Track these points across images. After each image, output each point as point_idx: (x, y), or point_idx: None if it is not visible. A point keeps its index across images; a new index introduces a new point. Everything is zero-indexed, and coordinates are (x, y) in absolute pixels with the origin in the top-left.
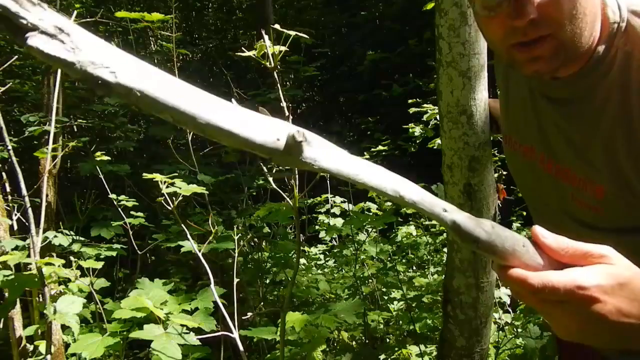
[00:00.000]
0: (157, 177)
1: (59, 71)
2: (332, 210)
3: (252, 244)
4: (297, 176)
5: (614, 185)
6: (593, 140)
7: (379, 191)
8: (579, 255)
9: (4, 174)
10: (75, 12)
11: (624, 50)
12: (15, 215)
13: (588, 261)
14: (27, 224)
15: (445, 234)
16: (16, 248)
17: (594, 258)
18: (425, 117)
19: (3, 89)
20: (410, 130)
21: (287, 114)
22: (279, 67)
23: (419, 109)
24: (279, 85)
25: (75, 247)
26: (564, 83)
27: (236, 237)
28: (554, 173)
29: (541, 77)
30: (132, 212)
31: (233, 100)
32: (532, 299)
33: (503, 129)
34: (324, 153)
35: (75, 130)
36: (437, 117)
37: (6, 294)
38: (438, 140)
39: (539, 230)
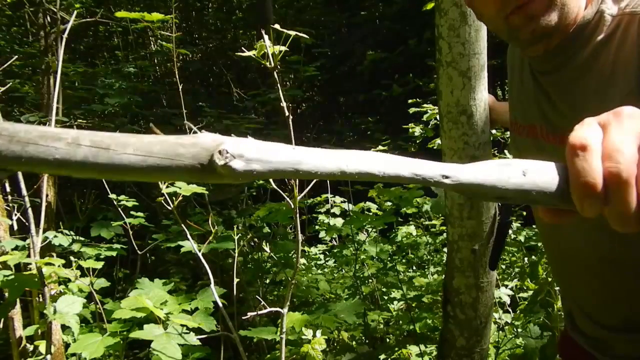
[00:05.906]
0: None
1: (59, 71)
2: (332, 210)
3: (252, 244)
4: None
5: None
6: (584, 100)
7: (354, 177)
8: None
9: None
10: (75, 12)
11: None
12: (15, 215)
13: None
14: (27, 224)
15: (445, 234)
16: (16, 248)
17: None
18: (425, 117)
19: (3, 89)
20: (410, 130)
21: (287, 113)
22: (279, 67)
23: (419, 109)
24: (279, 85)
25: (75, 247)
26: (552, 54)
27: (236, 237)
28: (556, 143)
29: (537, 43)
30: (132, 212)
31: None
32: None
33: (509, 116)
34: (264, 159)
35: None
36: (437, 117)
37: (6, 294)
38: (438, 140)
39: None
